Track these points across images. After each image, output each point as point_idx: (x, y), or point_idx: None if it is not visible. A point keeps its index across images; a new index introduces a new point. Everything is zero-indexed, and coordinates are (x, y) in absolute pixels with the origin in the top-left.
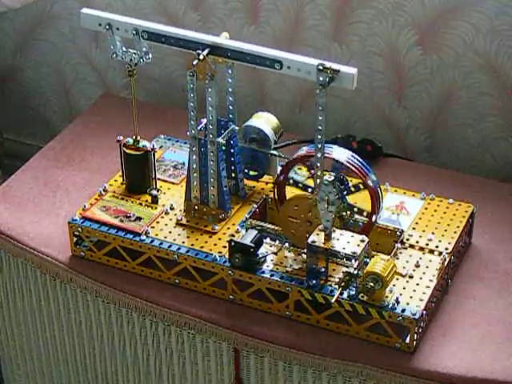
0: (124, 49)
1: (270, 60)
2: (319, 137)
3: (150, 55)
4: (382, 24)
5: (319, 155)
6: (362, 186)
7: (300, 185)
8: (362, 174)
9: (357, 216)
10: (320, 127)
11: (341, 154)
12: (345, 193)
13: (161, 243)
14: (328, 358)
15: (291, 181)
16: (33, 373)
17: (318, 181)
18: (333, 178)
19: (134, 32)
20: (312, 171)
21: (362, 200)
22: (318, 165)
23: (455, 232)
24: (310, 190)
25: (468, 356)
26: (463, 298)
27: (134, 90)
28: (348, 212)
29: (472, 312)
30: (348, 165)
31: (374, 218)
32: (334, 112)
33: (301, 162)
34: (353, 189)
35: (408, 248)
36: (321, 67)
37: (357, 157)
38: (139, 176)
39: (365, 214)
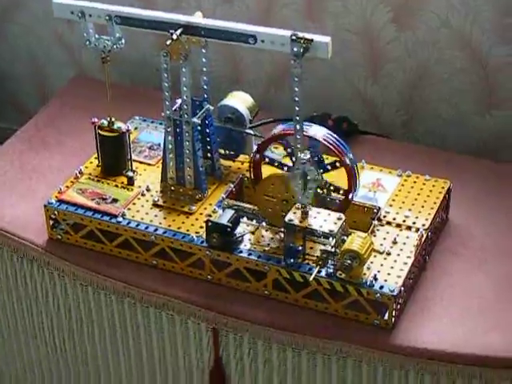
0: (97, 36)
1: (244, 35)
2: (297, 109)
3: (123, 41)
4: (356, 1)
5: (298, 127)
6: (338, 164)
7: (276, 163)
8: (339, 152)
9: (333, 194)
10: (297, 99)
11: (317, 131)
12: (321, 171)
13: (137, 225)
14: (307, 336)
15: (267, 159)
16: (12, 356)
17: (295, 158)
18: (309, 155)
19: (107, 18)
20: (288, 150)
21: (338, 178)
22: (298, 137)
23: (432, 208)
24: (286, 168)
25: (446, 331)
26: (441, 274)
27: (107, 76)
28: (324, 190)
29: (450, 287)
30: (324, 142)
31: (350, 196)
32: (309, 90)
33: (277, 141)
34: (329, 167)
35: (385, 225)
36: (294, 37)
37: (333, 134)
38: (115, 158)
39: (341, 191)
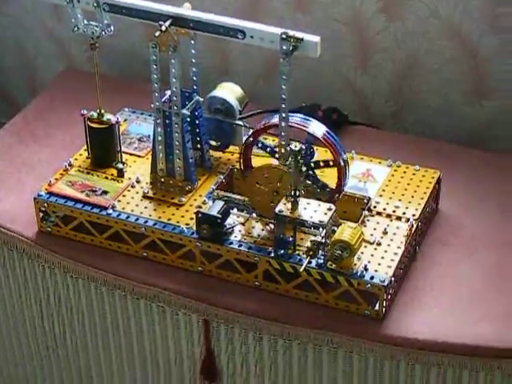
0: (85, 22)
1: (233, 30)
2: (283, 106)
3: (112, 27)
4: None
5: (283, 124)
6: (331, 163)
7: (268, 149)
8: (336, 153)
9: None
10: (284, 96)
11: (317, 128)
12: (312, 165)
13: (128, 216)
14: (298, 327)
15: (260, 144)
16: (2, 350)
17: (283, 150)
18: (299, 147)
19: (95, 4)
20: (270, 148)
21: (328, 173)
22: (283, 134)
23: (422, 198)
24: (277, 156)
25: (437, 321)
26: (431, 264)
27: (96, 63)
28: (314, 186)
29: (440, 278)
30: (323, 140)
31: (340, 187)
32: (299, 81)
33: (268, 131)
34: (322, 164)
35: (375, 215)
36: (284, 36)
37: (332, 134)
38: (104, 150)
39: (328, 189)
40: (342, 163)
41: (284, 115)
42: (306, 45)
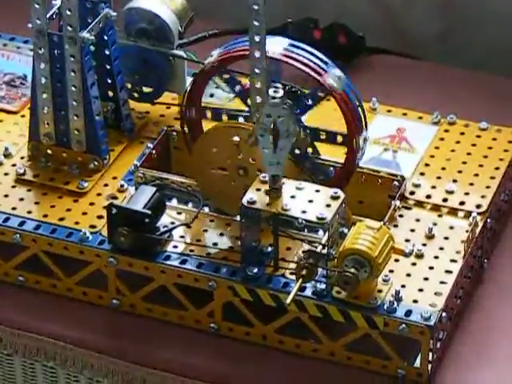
0: None
1: None
2: (256, 23)
3: None
4: None
5: (257, 55)
6: (321, 94)
7: (224, 110)
8: (316, 72)
9: (324, 155)
10: (257, 7)
11: (272, 45)
12: (302, 122)
13: None
14: None
15: (211, 98)
16: None
17: (258, 99)
18: (281, 92)
19: None
20: (239, 86)
21: (333, 149)
22: (257, 71)
23: (493, 178)
24: (241, 119)
25: None
26: (508, 289)
27: None
28: (308, 148)
29: None
30: (287, 59)
31: (354, 159)
32: None
33: (229, 68)
34: (309, 101)
35: (413, 207)
36: None
37: (303, 45)
38: None
39: (339, 139)
40: (335, 84)
41: (258, 39)
42: None
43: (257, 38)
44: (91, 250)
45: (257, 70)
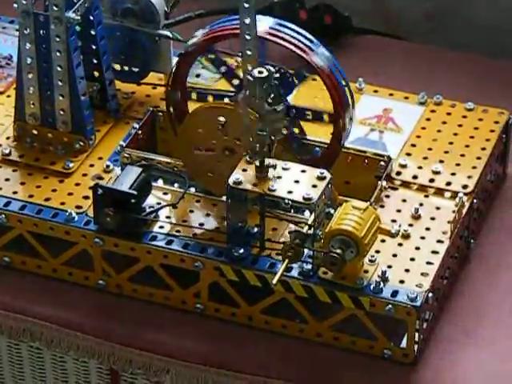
0: None
1: None
2: (246, 4)
3: None
4: None
5: (247, 35)
6: (305, 73)
7: (209, 91)
8: (302, 50)
9: (310, 135)
10: None
11: (258, 24)
12: (283, 91)
13: None
14: (269, 381)
15: (198, 78)
16: None
17: (249, 78)
18: (267, 72)
19: None
20: (224, 67)
21: (319, 130)
22: (247, 51)
23: (479, 158)
24: (227, 99)
25: (504, 368)
26: (495, 268)
27: None
28: (295, 128)
29: (510, 292)
30: (273, 38)
31: (340, 138)
32: None
33: (212, 46)
34: (293, 79)
35: (400, 188)
36: None
37: (289, 24)
38: None
39: (326, 118)
40: (321, 62)
41: (248, 20)
42: None
43: (247, 21)
44: (77, 230)
45: (248, 52)
